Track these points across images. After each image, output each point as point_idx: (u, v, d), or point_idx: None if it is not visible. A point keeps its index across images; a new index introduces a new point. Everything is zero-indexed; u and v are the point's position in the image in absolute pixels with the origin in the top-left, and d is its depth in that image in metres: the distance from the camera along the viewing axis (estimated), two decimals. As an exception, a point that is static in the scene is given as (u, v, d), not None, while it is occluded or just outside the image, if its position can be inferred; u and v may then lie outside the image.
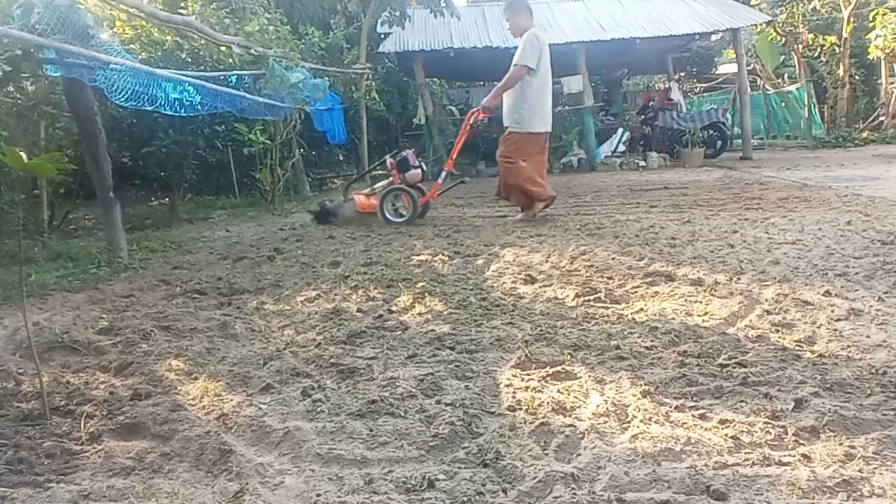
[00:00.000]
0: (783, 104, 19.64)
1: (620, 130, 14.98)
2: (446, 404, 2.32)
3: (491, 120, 16.04)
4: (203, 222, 8.13)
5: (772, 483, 1.73)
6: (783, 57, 23.10)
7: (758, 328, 2.98)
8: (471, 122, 6.94)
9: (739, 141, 15.60)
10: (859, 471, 1.77)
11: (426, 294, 3.89)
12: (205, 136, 8.76)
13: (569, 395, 2.37)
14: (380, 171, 8.20)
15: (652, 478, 1.78)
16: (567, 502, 1.69)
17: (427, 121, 13.53)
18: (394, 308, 3.68)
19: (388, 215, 6.92)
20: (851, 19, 18.57)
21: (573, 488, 1.75)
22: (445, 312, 3.53)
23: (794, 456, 1.87)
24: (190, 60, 8.71)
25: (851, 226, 5.21)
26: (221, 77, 7.35)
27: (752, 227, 5.51)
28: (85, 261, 5.34)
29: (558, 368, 2.62)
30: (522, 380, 2.53)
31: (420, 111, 13.70)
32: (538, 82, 6.49)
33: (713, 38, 19.55)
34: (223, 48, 8.27)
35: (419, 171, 7.02)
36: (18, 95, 6.87)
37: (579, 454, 1.95)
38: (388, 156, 7.30)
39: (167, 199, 9.54)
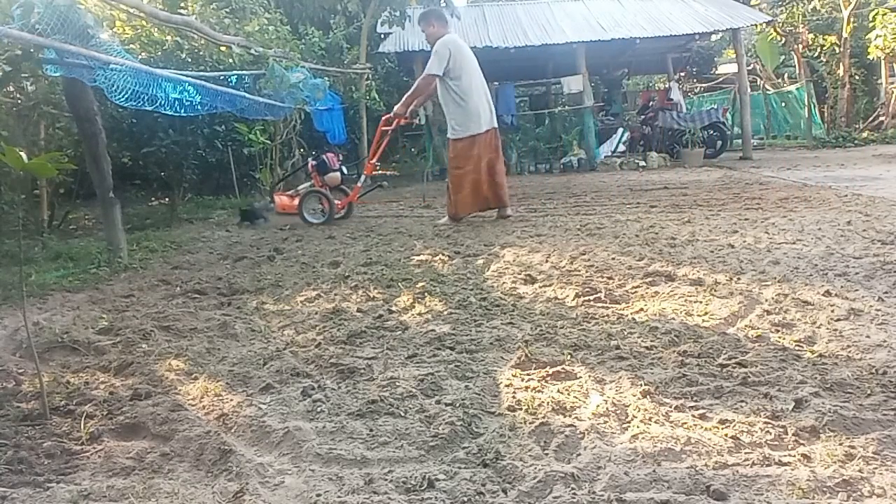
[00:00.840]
0: (783, 104, 19.64)
1: (620, 130, 14.98)
2: (446, 404, 2.32)
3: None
4: (203, 222, 8.13)
5: (772, 483, 1.73)
6: (783, 57, 23.10)
7: (758, 328, 2.98)
8: (383, 127, 7.23)
9: (739, 141, 15.60)
10: (859, 471, 1.77)
11: (426, 294, 3.89)
12: (205, 136, 8.75)
13: (569, 395, 2.37)
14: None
15: (652, 478, 1.78)
16: (567, 502, 1.69)
17: (427, 121, 13.53)
18: (394, 308, 3.69)
19: (306, 216, 7.28)
20: (851, 19, 18.57)
21: (573, 488, 1.75)
22: (445, 312, 3.53)
23: (794, 456, 1.87)
24: (190, 60, 8.71)
25: (851, 226, 5.21)
26: (221, 77, 7.35)
27: (752, 227, 5.51)
28: (85, 261, 5.34)
29: (558, 368, 2.62)
30: (522, 380, 2.53)
31: (420, 111, 13.67)
32: (463, 86, 6.59)
33: (713, 38, 19.56)
34: (223, 48, 8.26)
35: (338, 174, 7.45)
36: (18, 95, 6.87)
37: (579, 454, 1.95)
38: (309, 158, 7.77)
39: (167, 199, 9.54)
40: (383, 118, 7.33)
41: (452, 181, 6.79)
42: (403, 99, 6.91)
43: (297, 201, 7.37)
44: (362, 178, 7.51)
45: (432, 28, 6.89)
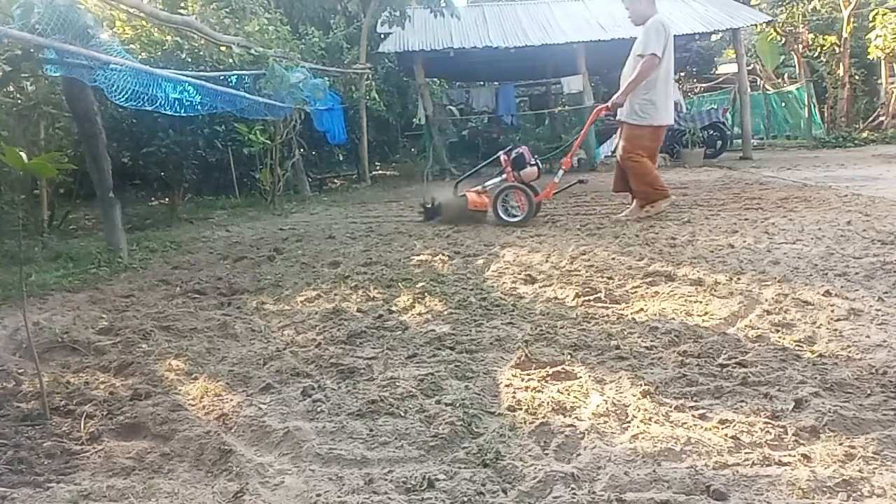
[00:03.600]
0: (783, 104, 19.64)
1: (620, 130, 14.97)
2: (446, 404, 2.32)
3: (491, 119, 16.09)
4: (203, 222, 8.13)
5: (772, 483, 1.73)
6: (783, 57, 23.10)
7: (758, 328, 2.98)
8: (594, 118, 6.69)
9: (739, 141, 15.59)
10: (859, 471, 1.77)
11: (426, 294, 3.89)
12: (205, 136, 8.76)
13: (569, 395, 2.37)
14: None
15: (652, 478, 1.78)
16: (567, 502, 1.69)
17: (427, 121, 13.53)
18: (394, 308, 3.69)
19: (501, 214, 6.58)
20: (851, 19, 18.57)
21: (573, 488, 1.75)
22: (445, 312, 3.53)
23: (794, 456, 1.87)
24: (190, 60, 8.71)
25: (851, 226, 5.21)
26: (221, 77, 7.35)
27: (752, 227, 5.51)
28: (85, 261, 5.34)
29: (558, 368, 2.62)
30: (522, 380, 2.53)
31: (420, 111, 13.68)
32: (662, 72, 6.08)
33: (713, 38, 19.56)
34: (223, 48, 8.27)
35: (535, 168, 6.67)
36: (18, 95, 6.88)
37: (579, 454, 1.95)
38: (501, 152, 6.96)
39: (167, 199, 9.54)
40: (596, 109, 6.79)
41: (635, 169, 6.24)
42: (626, 86, 6.15)
43: (486, 198, 6.74)
44: (559, 172, 6.69)
45: (640, 5, 6.23)
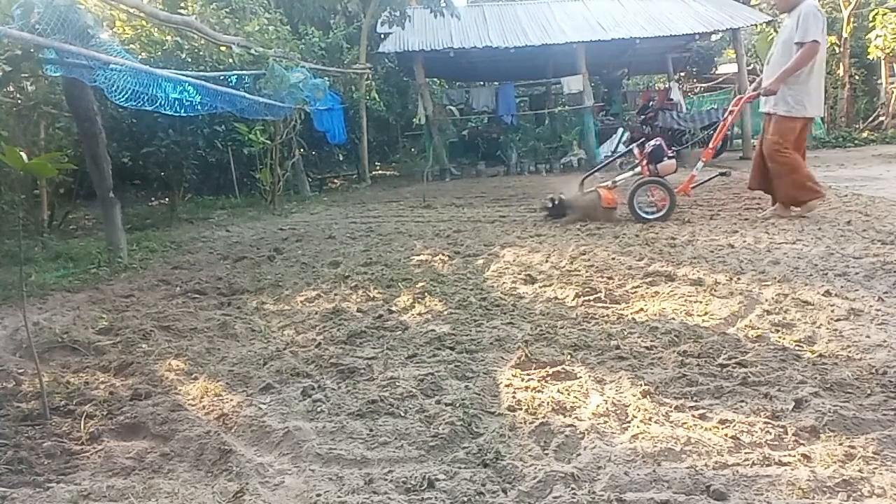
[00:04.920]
0: (783, 104, 19.62)
1: (620, 130, 14.98)
2: (446, 404, 2.33)
3: (491, 119, 16.08)
4: (203, 222, 8.14)
5: (772, 483, 1.73)
6: (783, 57, 23.08)
7: (758, 328, 2.98)
8: (738, 106, 6.27)
9: (739, 141, 15.59)
10: (859, 471, 1.77)
11: (426, 294, 3.90)
12: (205, 136, 8.76)
13: (569, 395, 2.37)
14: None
15: (652, 478, 1.78)
16: (567, 502, 1.69)
17: (427, 121, 13.53)
18: (394, 308, 3.69)
19: (638, 212, 6.17)
20: (851, 19, 18.57)
21: (573, 488, 1.75)
22: (445, 312, 3.53)
23: (794, 456, 1.87)
24: (190, 60, 8.72)
25: (851, 226, 5.21)
26: (221, 77, 7.35)
27: (752, 227, 5.51)
28: (85, 261, 5.34)
29: (558, 368, 2.62)
30: (522, 380, 2.53)
31: (420, 111, 13.67)
32: (817, 61, 5.62)
33: (713, 38, 19.55)
34: (223, 48, 8.27)
35: (673, 162, 6.26)
36: (18, 95, 6.88)
37: (579, 454, 1.95)
38: (633, 145, 6.62)
39: (167, 199, 9.55)
40: (738, 98, 6.41)
41: (786, 165, 5.73)
42: (782, 73, 5.64)
43: (613, 194, 6.37)
44: (698, 164, 6.28)
45: None
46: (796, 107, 5.67)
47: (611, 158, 7.60)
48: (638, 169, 6.36)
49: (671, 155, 6.24)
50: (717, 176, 6.79)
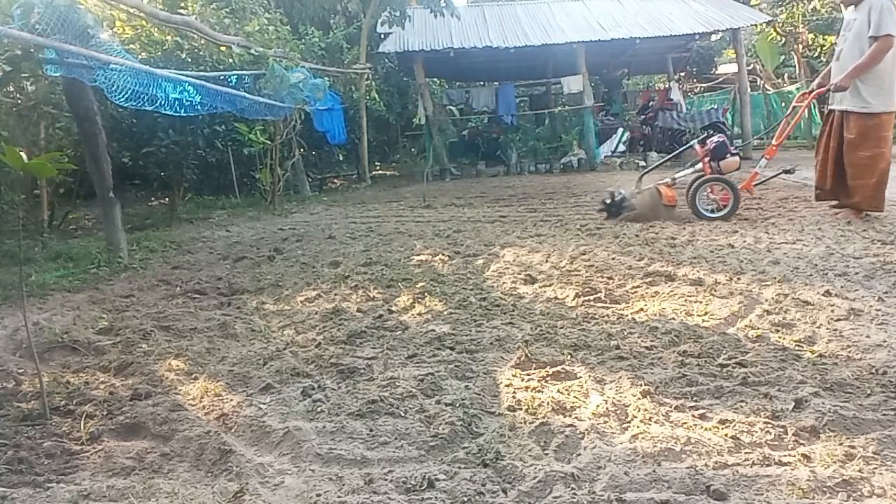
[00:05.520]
0: (783, 104, 19.63)
1: (620, 130, 14.98)
2: (446, 404, 2.33)
3: (491, 119, 16.07)
4: (203, 222, 8.13)
5: (772, 483, 1.74)
6: (783, 57, 23.08)
7: (758, 328, 2.98)
8: (806, 102, 6.07)
9: (739, 141, 15.60)
10: (859, 471, 1.77)
11: (426, 294, 3.90)
12: (205, 136, 8.76)
13: (569, 395, 2.37)
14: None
15: (652, 478, 1.78)
16: (567, 502, 1.69)
17: (427, 121, 13.52)
18: (394, 308, 3.69)
19: (701, 210, 6.01)
20: (853, 19, 18.57)
21: (573, 488, 1.75)
22: (445, 312, 3.53)
23: (794, 456, 1.87)
24: (190, 60, 8.72)
25: (851, 226, 5.21)
26: (221, 77, 7.35)
27: (752, 227, 5.50)
28: (85, 261, 5.34)
29: (558, 368, 2.62)
30: (522, 380, 2.53)
31: (420, 111, 13.66)
32: (890, 55, 5.35)
33: (713, 38, 19.55)
34: (223, 48, 8.27)
35: (736, 158, 6.07)
36: (18, 95, 6.88)
37: (579, 454, 1.95)
38: (694, 141, 6.42)
39: (167, 199, 9.54)
40: (802, 94, 6.23)
41: (875, 164, 5.41)
42: (853, 68, 5.40)
43: (674, 191, 6.20)
44: (761, 161, 6.04)
45: None
46: (873, 102, 5.41)
47: (670, 155, 7.32)
48: (698, 166, 6.17)
49: (734, 152, 6.07)
50: (780, 173, 6.46)
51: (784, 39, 21.43)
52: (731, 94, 19.27)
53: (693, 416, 2.15)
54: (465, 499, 1.73)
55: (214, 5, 9.11)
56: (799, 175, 9.96)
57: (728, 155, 6.01)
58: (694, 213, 6.04)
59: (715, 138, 6.17)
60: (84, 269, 5.04)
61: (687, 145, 6.69)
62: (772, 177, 6.57)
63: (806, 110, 17.77)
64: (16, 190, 6.78)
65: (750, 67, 20.84)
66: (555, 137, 14.60)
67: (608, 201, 6.42)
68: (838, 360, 2.55)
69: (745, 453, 1.89)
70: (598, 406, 2.25)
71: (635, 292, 3.73)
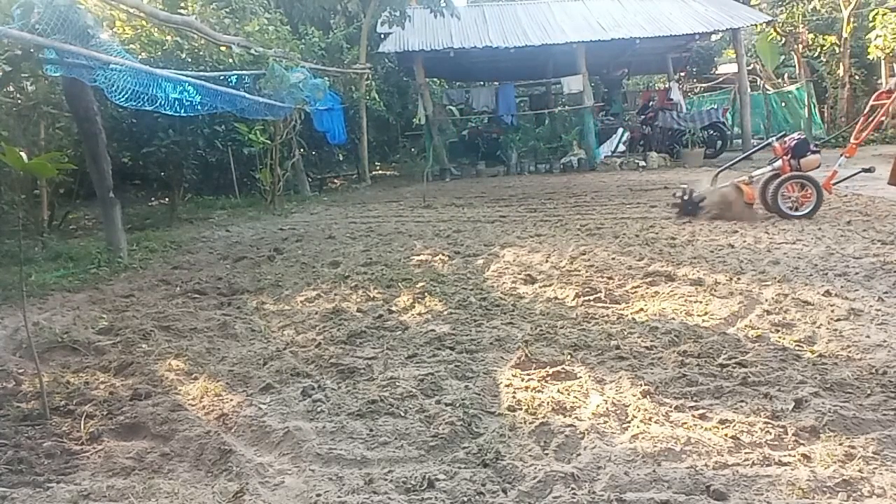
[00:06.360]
0: (783, 104, 19.63)
1: (620, 130, 14.98)
2: (446, 404, 2.33)
3: (490, 119, 16.08)
4: (203, 222, 8.13)
5: (772, 483, 1.74)
6: (783, 57, 23.09)
7: (758, 328, 2.98)
8: (875, 102, 6.00)
9: (739, 141, 15.59)
10: (859, 471, 1.77)
11: (426, 294, 3.90)
12: (205, 136, 8.76)
13: (569, 395, 2.37)
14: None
15: (652, 478, 1.78)
16: (567, 502, 1.69)
17: (427, 121, 13.52)
18: (394, 308, 3.69)
19: (782, 208, 5.84)
20: (851, 19, 18.56)
21: (573, 488, 1.75)
22: (445, 312, 3.53)
23: (794, 456, 1.87)
24: (190, 60, 8.71)
25: (851, 226, 5.21)
26: (221, 77, 7.34)
27: (752, 227, 5.50)
28: (85, 261, 5.34)
29: (558, 368, 2.62)
30: (522, 380, 2.53)
31: (420, 111, 13.66)
32: None
33: (713, 38, 19.56)
34: (223, 48, 8.27)
35: (818, 156, 5.92)
36: (18, 95, 6.87)
37: (579, 454, 1.95)
38: (773, 138, 6.29)
39: (167, 199, 9.54)
40: (880, 93, 6.15)
41: None
42: None
43: (753, 189, 6.03)
44: (840, 159, 5.94)
45: None
46: None
47: (750, 151, 7.15)
48: (777, 164, 6.00)
49: (815, 149, 5.93)
50: (859, 172, 6.19)
51: (784, 39, 21.44)
52: (731, 94, 19.28)
53: (693, 416, 2.15)
54: (465, 499, 1.73)
55: (214, 5, 9.11)
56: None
57: (808, 152, 5.86)
58: (774, 211, 5.86)
59: (795, 135, 6.04)
60: (84, 269, 5.04)
61: (765, 143, 6.57)
62: (850, 175, 6.33)
63: (806, 111, 17.79)
64: (16, 190, 6.78)
65: (750, 67, 20.85)
66: (555, 137, 14.60)
67: (682, 199, 6.28)
68: (838, 360, 2.55)
69: (745, 453, 1.89)
70: (598, 406, 2.25)
71: (635, 292, 3.73)
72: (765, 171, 6.15)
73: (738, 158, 6.87)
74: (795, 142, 5.94)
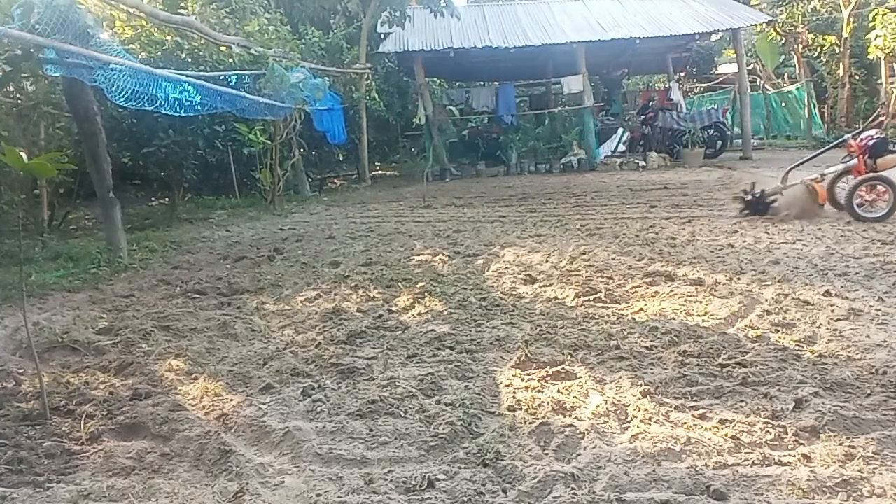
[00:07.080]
0: (783, 104, 19.64)
1: (620, 130, 14.98)
2: (446, 404, 2.33)
3: (491, 120, 16.08)
4: (203, 222, 8.13)
5: (772, 483, 1.74)
6: (783, 57, 23.09)
7: (758, 328, 2.98)
8: None
9: (739, 141, 15.59)
10: (859, 471, 1.77)
11: (426, 294, 3.90)
12: (205, 136, 8.76)
13: (569, 395, 2.37)
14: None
15: (652, 478, 1.78)
16: (567, 502, 1.69)
17: (427, 121, 13.52)
18: (394, 308, 3.69)
19: (857, 210, 5.50)
20: (851, 19, 18.57)
21: (573, 488, 1.75)
22: (445, 312, 3.53)
23: (794, 456, 1.87)
24: (190, 60, 8.71)
25: (851, 226, 5.21)
26: (221, 77, 7.34)
27: (752, 227, 5.50)
28: (85, 261, 5.34)
29: (558, 368, 2.62)
30: (522, 380, 2.53)
31: (420, 111, 13.66)
32: None
33: (713, 38, 19.56)
34: (223, 48, 8.27)
35: (895, 156, 5.54)
36: (18, 95, 6.87)
37: (579, 454, 1.95)
38: (848, 136, 5.97)
39: (167, 199, 9.54)
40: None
41: None
42: None
43: (821, 189, 5.76)
44: None
45: None
46: None
47: (822, 150, 6.87)
48: (852, 162, 5.68)
49: (893, 149, 5.58)
50: None
51: (784, 39, 21.45)
52: (731, 94, 19.28)
53: (693, 416, 2.15)
54: (465, 499, 1.73)
55: (214, 5, 9.11)
56: (799, 175, 9.95)
57: (888, 152, 5.54)
58: (848, 213, 5.54)
59: (872, 132, 5.74)
60: (84, 269, 5.04)
61: (839, 140, 6.26)
62: None
63: (806, 111, 17.78)
64: (16, 190, 6.78)
65: (750, 67, 20.86)
66: (555, 137, 14.60)
67: (748, 197, 6.04)
68: (838, 360, 2.55)
69: (745, 453, 1.89)
70: (598, 406, 2.25)
71: (635, 292, 3.73)
72: (838, 170, 5.85)
73: (807, 157, 6.54)
74: (874, 140, 5.58)
